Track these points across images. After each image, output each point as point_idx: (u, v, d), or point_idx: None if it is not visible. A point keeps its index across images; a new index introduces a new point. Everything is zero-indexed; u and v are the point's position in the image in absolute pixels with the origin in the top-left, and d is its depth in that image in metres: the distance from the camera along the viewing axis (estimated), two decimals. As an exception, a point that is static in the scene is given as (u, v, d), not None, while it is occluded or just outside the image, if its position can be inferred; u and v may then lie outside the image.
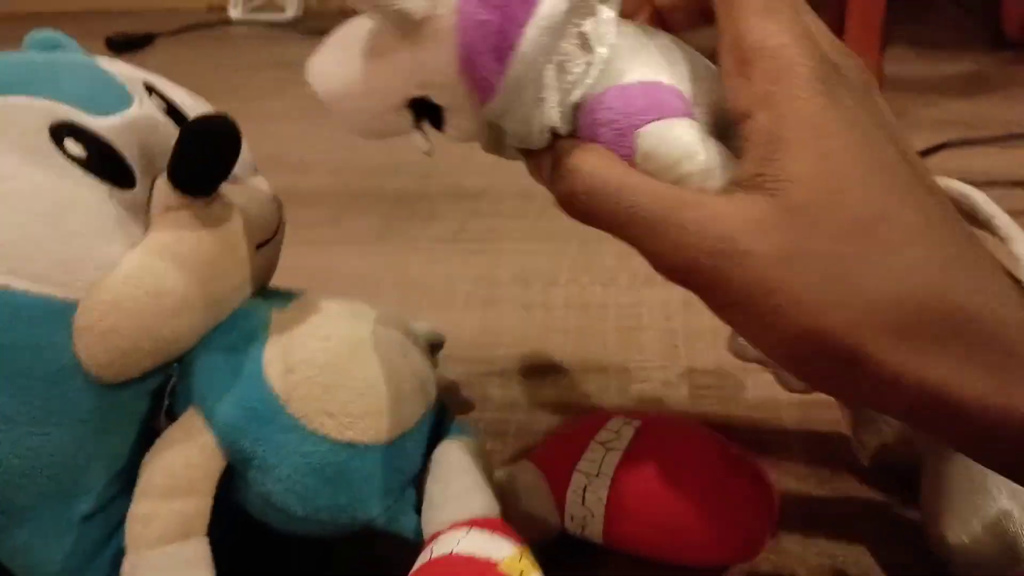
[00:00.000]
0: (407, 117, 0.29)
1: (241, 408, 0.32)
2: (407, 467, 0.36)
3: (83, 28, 1.48)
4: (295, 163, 0.85)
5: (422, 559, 0.33)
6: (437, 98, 0.27)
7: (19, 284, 0.29)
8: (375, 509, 0.34)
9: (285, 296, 0.38)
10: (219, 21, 1.40)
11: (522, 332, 0.55)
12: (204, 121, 0.30)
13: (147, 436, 0.34)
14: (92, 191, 0.30)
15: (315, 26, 1.34)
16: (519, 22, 0.25)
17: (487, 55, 0.25)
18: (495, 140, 0.29)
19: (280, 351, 0.33)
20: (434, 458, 0.36)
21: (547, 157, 0.28)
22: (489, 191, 0.76)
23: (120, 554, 0.35)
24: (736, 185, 0.24)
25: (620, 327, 0.55)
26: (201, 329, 0.33)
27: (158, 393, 0.34)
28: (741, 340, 0.39)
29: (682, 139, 0.25)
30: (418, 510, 0.35)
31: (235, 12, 1.40)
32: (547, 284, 0.61)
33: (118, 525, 0.35)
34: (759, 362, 0.39)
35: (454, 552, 0.32)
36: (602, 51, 0.26)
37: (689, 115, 0.26)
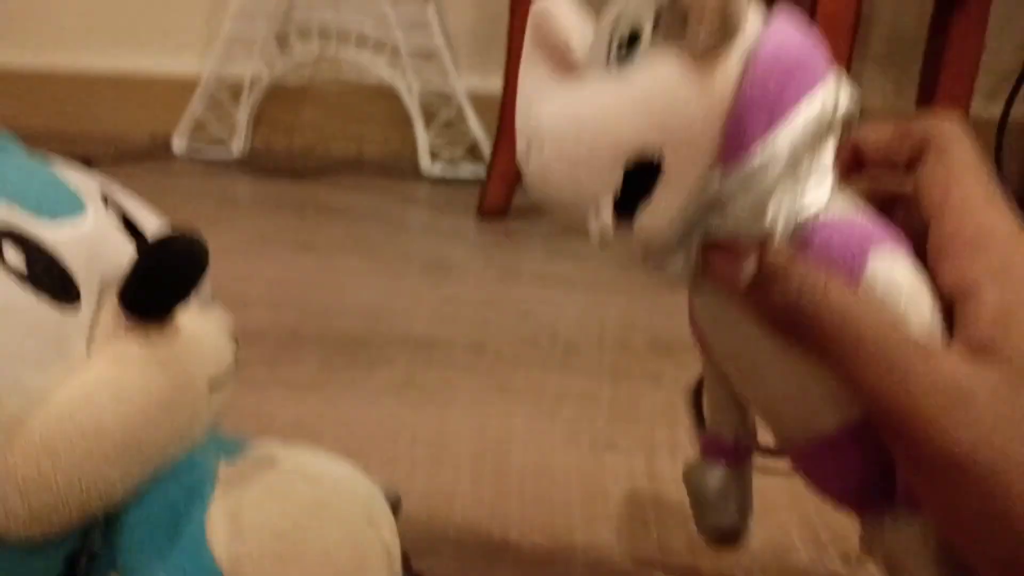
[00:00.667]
0: (614, 179, 0.26)
1: None
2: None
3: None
4: (233, 299, 0.80)
5: None
6: (670, 156, 0.25)
7: None
8: None
9: (233, 445, 0.33)
10: (162, 152, 1.38)
11: (476, 496, 0.51)
12: (168, 237, 0.27)
13: None
14: (28, 307, 0.26)
15: (259, 164, 1.32)
16: (794, 100, 0.25)
17: (757, 115, 0.25)
18: (685, 231, 0.27)
19: (227, 513, 0.28)
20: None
21: (749, 257, 0.27)
22: (440, 340, 0.73)
23: None
24: (966, 346, 0.24)
25: (585, 495, 0.51)
26: (137, 479, 0.28)
27: (72, 557, 0.29)
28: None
29: (909, 279, 0.26)
30: None
31: (179, 146, 1.38)
32: (502, 444, 0.57)
33: None
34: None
35: None
36: (832, 177, 0.27)
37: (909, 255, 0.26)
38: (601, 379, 0.66)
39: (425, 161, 1.31)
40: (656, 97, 0.25)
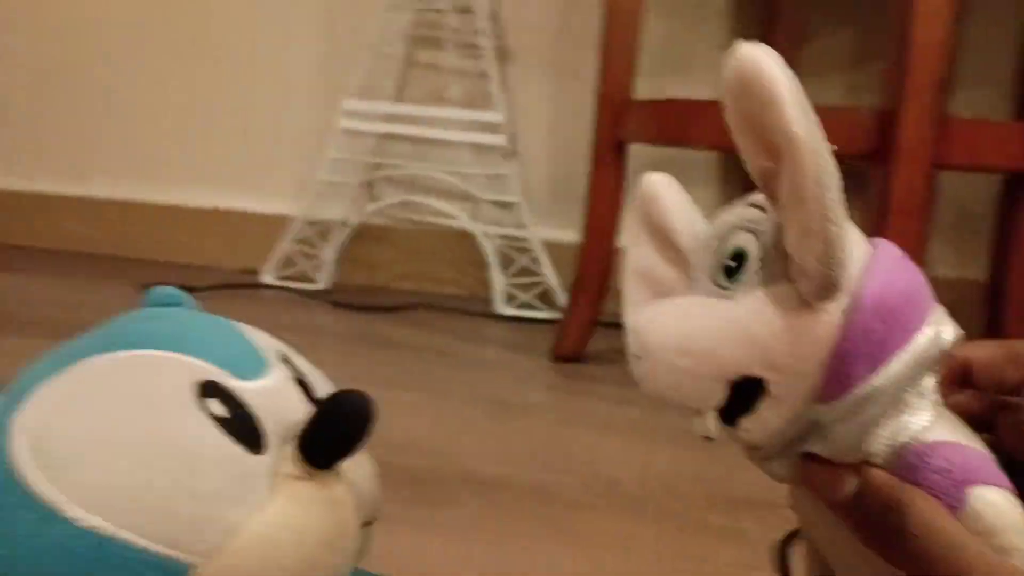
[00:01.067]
0: (720, 393, 0.28)
1: None
2: None
3: (119, 272, 1.57)
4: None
5: None
6: (774, 383, 0.27)
7: (143, 541, 0.28)
8: None
9: None
10: (252, 283, 1.47)
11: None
12: (343, 397, 0.31)
13: None
14: (228, 452, 0.31)
15: (342, 298, 1.40)
16: (897, 344, 0.26)
17: (860, 360, 0.25)
18: (787, 443, 0.28)
19: None
20: None
21: (847, 478, 0.27)
22: (505, 482, 0.76)
23: None
24: None
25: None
26: None
27: None
28: None
29: (1014, 510, 0.26)
30: None
31: (268, 277, 1.47)
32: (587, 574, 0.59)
33: None
34: None
35: None
36: (934, 401, 0.27)
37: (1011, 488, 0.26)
38: (672, 532, 0.67)
39: (499, 304, 1.37)
40: (761, 331, 0.26)
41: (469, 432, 0.87)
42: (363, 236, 1.51)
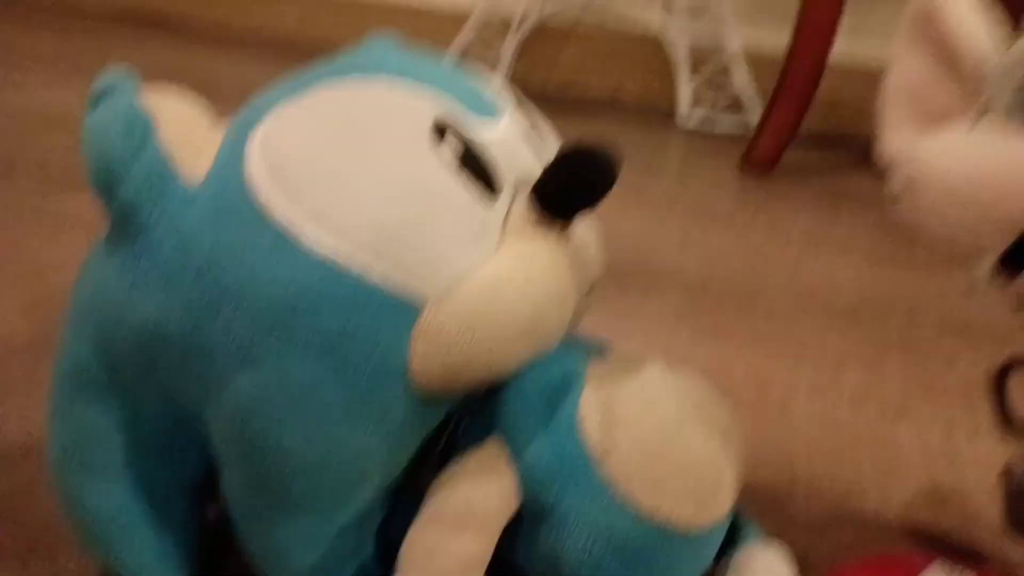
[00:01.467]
0: (1003, 243, 0.25)
1: (550, 456, 0.29)
2: (707, 560, 0.31)
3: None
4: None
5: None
6: None
7: (378, 273, 0.26)
8: None
9: (597, 345, 0.34)
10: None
11: (758, 438, 0.50)
12: (586, 145, 0.28)
13: (418, 456, 0.31)
14: (463, 195, 0.28)
15: (518, 96, 1.35)
16: None
17: None
18: None
19: (600, 405, 0.30)
20: (742, 562, 0.31)
21: None
22: (712, 282, 0.72)
23: (362, 569, 0.32)
24: None
25: (875, 456, 0.49)
26: (525, 360, 0.29)
27: (449, 417, 0.31)
28: None
29: None
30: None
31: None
32: (783, 392, 0.55)
33: (368, 540, 0.32)
34: None
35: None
36: None
37: None
38: (888, 349, 0.63)
39: (683, 111, 1.29)
40: None
41: (668, 233, 0.83)
42: (543, 33, 1.44)
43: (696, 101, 1.31)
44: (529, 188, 0.29)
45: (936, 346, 0.64)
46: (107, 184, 0.27)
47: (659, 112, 1.36)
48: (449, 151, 0.28)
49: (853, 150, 1.22)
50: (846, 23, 1.25)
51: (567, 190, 0.28)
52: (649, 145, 1.18)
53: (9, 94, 1.12)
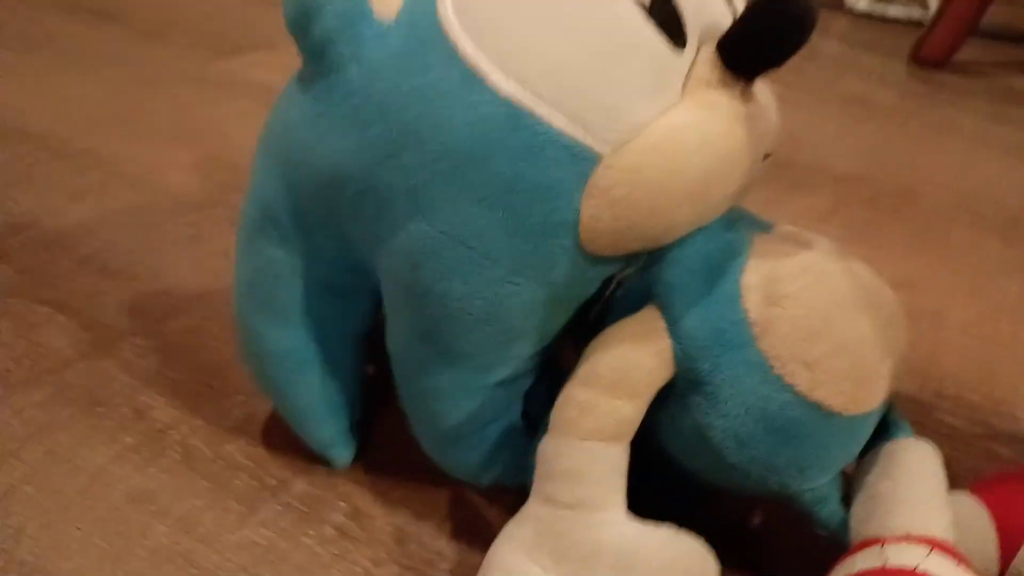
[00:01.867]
0: None
1: (710, 326, 0.28)
2: (856, 448, 0.30)
3: None
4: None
5: (865, 561, 0.27)
6: None
7: (557, 120, 0.26)
8: (812, 481, 0.30)
9: (762, 221, 0.33)
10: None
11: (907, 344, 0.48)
12: (778, 5, 0.25)
13: (574, 320, 0.31)
14: (649, 42, 0.27)
15: None
16: None
17: None
18: None
19: (763, 278, 0.29)
20: (887, 453, 0.31)
21: None
22: (867, 178, 0.68)
23: (513, 428, 0.33)
24: None
25: (1033, 372, 0.47)
26: (692, 224, 0.29)
27: (608, 280, 0.31)
28: None
29: None
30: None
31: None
32: (940, 298, 0.53)
33: (519, 399, 0.33)
34: None
35: (918, 570, 0.26)
36: None
37: None
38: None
39: (850, -6, 1.19)
40: None
41: (824, 126, 0.79)
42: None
43: (865, -16, 1.21)
44: (715, 41, 0.28)
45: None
46: (303, 20, 0.28)
47: (822, -5, 1.27)
48: None
49: (1038, 48, 1.11)
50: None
51: (754, 46, 0.27)
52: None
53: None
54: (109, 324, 0.44)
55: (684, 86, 0.27)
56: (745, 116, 0.28)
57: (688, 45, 0.28)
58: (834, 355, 0.28)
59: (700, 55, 0.28)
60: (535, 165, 0.26)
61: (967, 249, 0.59)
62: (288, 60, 0.30)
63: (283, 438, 0.37)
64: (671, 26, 0.27)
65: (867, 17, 1.18)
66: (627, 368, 0.28)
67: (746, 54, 0.27)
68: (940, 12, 0.97)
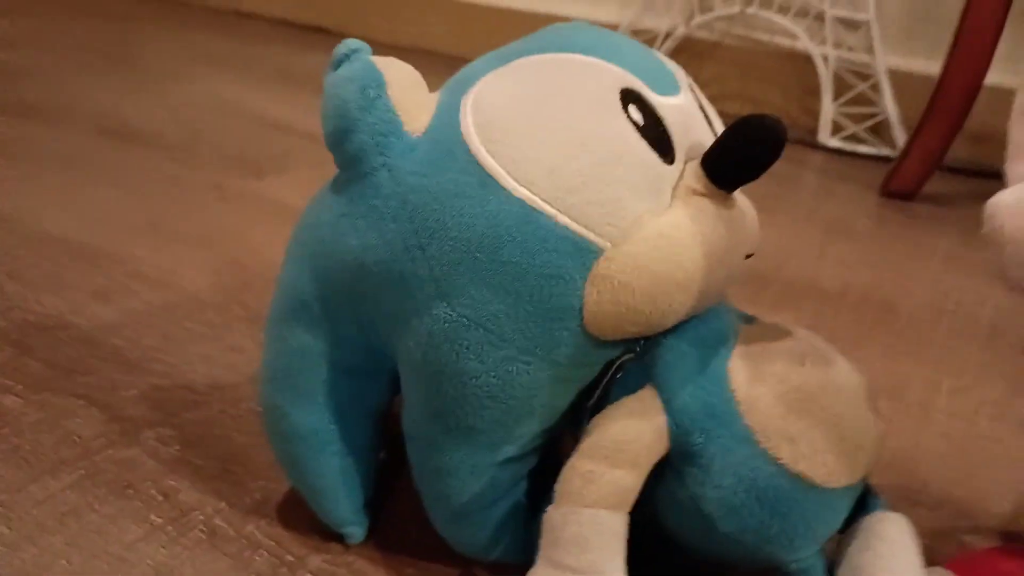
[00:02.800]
0: None
1: (701, 403, 0.31)
2: (839, 520, 0.33)
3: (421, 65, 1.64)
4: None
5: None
6: None
7: (562, 218, 0.30)
8: (799, 552, 0.32)
9: (746, 314, 0.36)
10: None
11: (892, 440, 0.51)
12: (757, 120, 0.30)
13: (576, 403, 0.34)
14: (642, 154, 0.31)
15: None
16: None
17: None
18: None
19: (748, 360, 0.32)
20: (866, 526, 0.33)
21: None
22: (849, 294, 0.72)
23: (519, 506, 0.35)
24: None
25: (1012, 475, 0.49)
26: (686, 313, 0.32)
27: (611, 363, 0.34)
28: None
29: None
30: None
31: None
32: (923, 400, 0.56)
33: (525, 478, 0.35)
34: None
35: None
36: None
37: None
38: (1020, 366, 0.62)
39: (824, 132, 1.28)
40: None
41: (806, 246, 0.84)
42: (687, 49, 1.46)
43: (839, 123, 1.29)
44: (699, 158, 0.32)
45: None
46: (340, 133, 0.32)
47: (801, 129, 1.35)
48: (632, 116, 0.31)
49: (1001, 183, 1.18)
50: (1001, 52, 1.22)
51: (732, 162, 0.30)
52: (790, 161, 1.18)
53: (187, 87, 1.23)
54: (133, 415, 0.46)
55: (674, 194, 0.31)
56: (728, 219, 0.32)
57: (676, 159, 0.32)
58: (814, 430, 0.31)
59: (687, 168, 0.32)
60: (542, 256, 0.30)
61: (947, 355, 0.62)
62: (301, 181, 0.34)
63: (300, 518, 0.39)
64: (661, 143, 0.32)
65: (840, 152, 1.26)
66: (627, 440, 0.31)
67: (726, 168, 0.31)
68: (907, 148, 1.04)
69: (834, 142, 1.27)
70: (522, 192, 0.30)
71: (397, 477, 0.36)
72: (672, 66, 0.36)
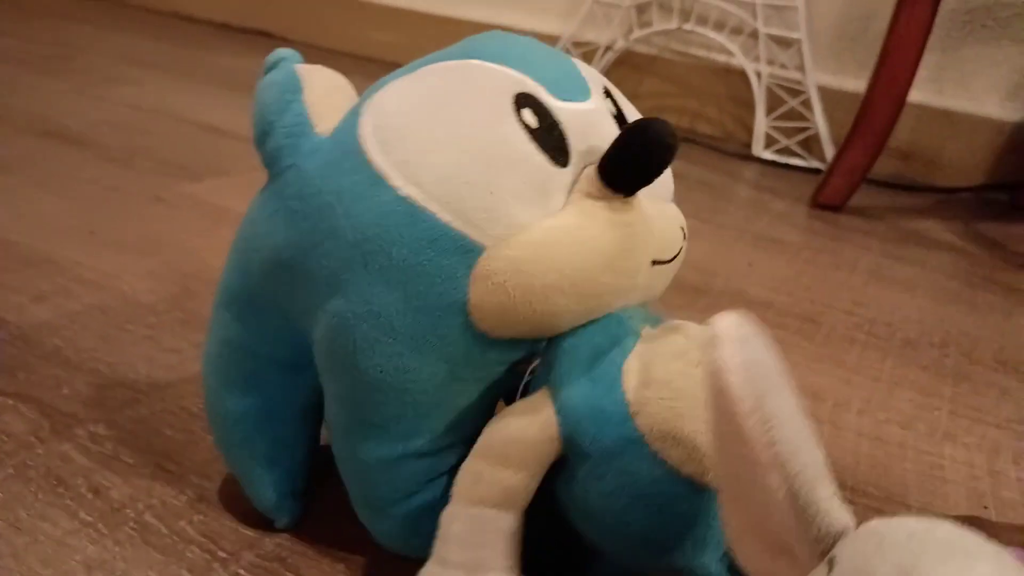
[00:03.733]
0: None
1: (590, 404, 0.32)
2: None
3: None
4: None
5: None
6: None
7: (447, 217, 0.31)
8: (699, 556, 0.32)
9: (658, 318, 0.38)
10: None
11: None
12: (647, 124, 0.31)
13: (493, 405, 0.35)
14: (531, 158, 0.32)
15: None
16: None
17: None
18: None
19: (641, 364, 0.32)
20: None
21: None
22: (775, 304, 0.75)
23: (436, 502, 0.36)
24: None
25: (920, 471, 0.52)
26: (577, 316, 0.33)
27: (518, 369, 0.35)
28: None
29: None
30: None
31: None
32: (838, 406, 0.58)
33: (443, 475, 0.36)
34: None
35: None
36: None
37: None
38: (942, 378, 0.65)
39: (758, 146, 1.32)
40: None
41: (735, 257, 0.87)
42: (626, 62, 1.49)
43: (772, 137, 1.34)
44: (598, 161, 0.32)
45: (989, 380, 0.66)
46: (260, 135, 0.34)
47: (737, 142, 1.40)
48: (525, 120, 0.32)
49: (925, 197, 1.24)
50: (927, 73, 1.27)
51: (626, 166, 0.31)
52: (724, 173, 1.22)
53: (127, 90, 1.22)
54: (68, 412, 0.46)
55: (569, 198, 0.33)
56: (624, 223, 0.33)
57: (572, 163, 0.33)
58: (703, 433, 0.31)
59: (584, 173, 0.33)
60: (428, 253, 0.31)
61: (863, 366, 0.65)
62: (240, 185, 0.36)
63: (234, 514, 0.39)
64: (555, 147, 0.33)
65: (773, 164, 1.30)
66: (514, 441, 0.32)
67: (618, 172, 0.32)
68: (834, 162, 1.08)
69: (767, 155, 1.32)
70: (410, 191, 0.31)
71: (334, 471, 0.36)
72: (586, 72, 0.37)
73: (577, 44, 1.48)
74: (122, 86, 1.22)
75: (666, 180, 0.39)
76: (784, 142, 1.33)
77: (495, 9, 1.61)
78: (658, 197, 0.37)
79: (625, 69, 1.49)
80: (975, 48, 1.24)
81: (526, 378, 0.36)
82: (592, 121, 0.35)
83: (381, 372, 0.32)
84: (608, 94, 0.38)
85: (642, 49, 1.47)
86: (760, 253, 0.89)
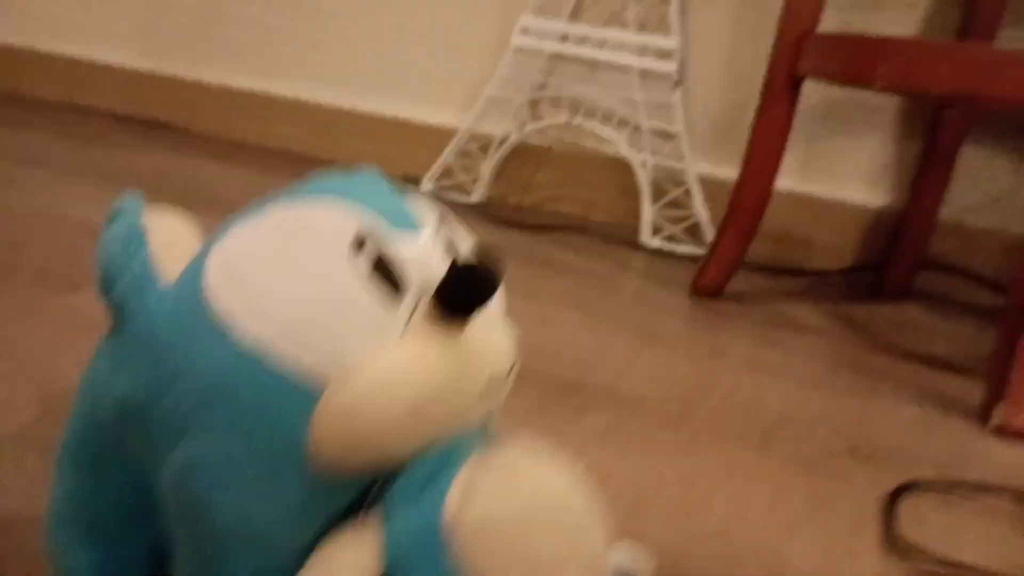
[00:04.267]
0: None
1: (410, 531, 0.33)
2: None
3: (287, 166, 1.68)
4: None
5: None
6: None
7: (287, 360, 0.32)
8: None
9: (495, 435, 0.39)
10: (412, 190, 1.52)
11: (659, 536, 0.55)
12: (473, 262, 0.33)
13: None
14: (367, 297, 0.34)
15: (494, 213, 1.44)
16: None
17: None
18: None
19: (464, 490, 0.33)
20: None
21: None
22: (647, 400, 0.78)
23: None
24: None
25: (771, 565, 0.54)
26: (417, 443, 0.34)
27: (365, 492, 0.36)
28: None
29: None
30: None
31: (427, 186, 1.52)
32: (697, 498, 0.60)
33: None
34: None
35: None
36: None
37: None
38: (798, 467, 0.68)
39: (646, 234, 1.37)
40: None
41: (612, 351, 0.89)
42: (521, 155, 1.54)
43: (658, 224, 1.39)
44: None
45: (841, 468, 0.69)
46: (107, 285, 0.35)
47: (628, 229, 1.45)
48: (363, 260, 0.34)
49: (798, 280, 1.30)
50: (795, 163, 1.35)
51: (455, 297, 0.33)
52: (613, 262, 1.26)
53: (12, 194, 1.20)
54: None
55: (407, 330, 0.34)
56: (456, 354, 0.34)
57: (408, 297, 0.35)
58: (511, 559, 0.32)
59: (421, 303, 0.35)
60: (270, 399, 0.32)
61: (725, 458, 0.68)
62: None
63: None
64: (391, 284, 0.34)
65: (660, 253, 1.35)
66: (332, 564, 0.33)
67: (450, 304, 0.34)
68: (711, 249, 1.13)
69: (655, 242, 1.37)
70: (253, 338, 0.32)
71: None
72: (419, 205, 0.39)
73: (475, 137, 1.52)
74: (5, 190, 1.20)
75: (498, 300, 0.41)
76: (670, 229, 1.38)
77: (395, 103, 1.65)
78: (494, 314, 0.39)
79: (520, 161, 1.54)
80: (838, 138, 1.33)
81: (370, 502, 0.37)
82: (426, 253, 0.37)
83: (228, 517, 0.32)
84: (441, 225, 0.40)
85: (536, 141, 1.53)
86: (638, 345, 0.92)
